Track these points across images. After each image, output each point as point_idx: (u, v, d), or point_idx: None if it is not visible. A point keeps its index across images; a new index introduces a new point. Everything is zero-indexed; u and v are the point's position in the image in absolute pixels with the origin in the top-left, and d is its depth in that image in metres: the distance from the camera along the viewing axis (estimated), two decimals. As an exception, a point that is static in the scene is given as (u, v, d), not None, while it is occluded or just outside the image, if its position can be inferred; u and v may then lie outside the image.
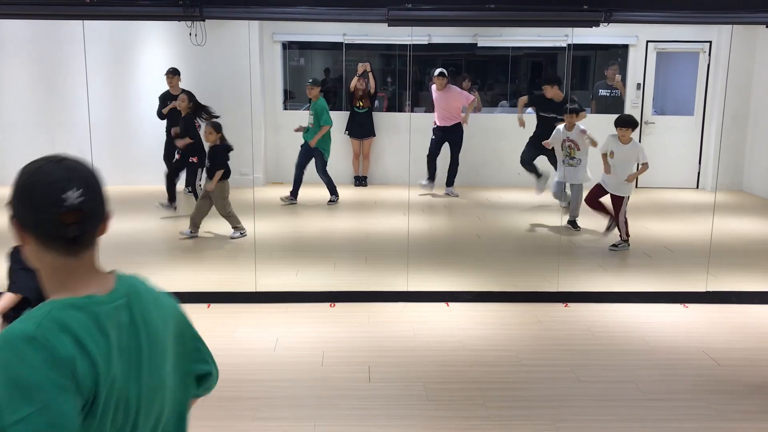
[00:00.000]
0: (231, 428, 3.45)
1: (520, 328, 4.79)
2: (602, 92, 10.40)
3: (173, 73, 8.74)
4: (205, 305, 5.11)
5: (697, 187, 10.51)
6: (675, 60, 10.90)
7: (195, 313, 5.14)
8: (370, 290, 5.46)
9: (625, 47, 10.43)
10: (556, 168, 8.12)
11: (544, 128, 8.16)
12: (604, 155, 6.79)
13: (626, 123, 6.64)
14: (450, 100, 9.39)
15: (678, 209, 8.94)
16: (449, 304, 5.22)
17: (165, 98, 8.75)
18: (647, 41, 10.24)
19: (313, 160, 8.92)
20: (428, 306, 5.18)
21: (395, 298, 5.29)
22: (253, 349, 4.39)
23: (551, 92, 8.33)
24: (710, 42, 10.20)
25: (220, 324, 4.79)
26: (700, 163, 10.49)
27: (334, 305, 5.17)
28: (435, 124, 9.51)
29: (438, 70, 9.40)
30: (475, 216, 8.33)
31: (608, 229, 7.05)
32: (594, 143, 7.19)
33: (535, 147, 8.42)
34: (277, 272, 5.91)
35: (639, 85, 10.34)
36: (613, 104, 10.37)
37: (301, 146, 8.99)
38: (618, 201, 6.72)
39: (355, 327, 4.78)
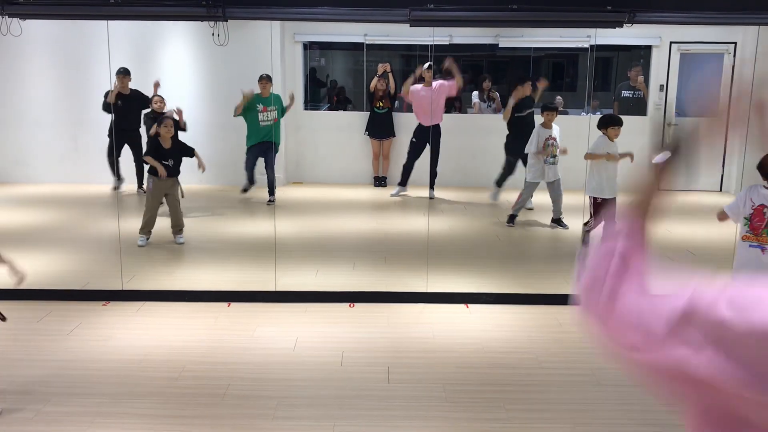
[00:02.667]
0: (250, 427, 3.46)
1: (540, 331, 4.76)
2: (625, 93, 10.31)
3: (125, 74, 8.58)
4: (225, 304, 5.13)
5: (721, 189, 10.38)
6: (699, 61, 10.78)
7: (215, 312, 5.21)
8: (390, 291, 5.46)
9: (648, 48, 10.34)
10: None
11: (520, 128, 8.31)
12: (592, 155, 6.61)
13: (619, 121, 6.64)
14: (440, 95, 9.28)
15: (701, 212, 8.83)
16: (469, 305, 5.21)
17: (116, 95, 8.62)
18: (671, 42, 10.14)
19: (266, 155, 8.62)
20: (448, 307, 5.16)
21: (415, 299, 5.29)
22: (272, 348, 4.41)
23: (526, 90, 8.55)
24: (735, 43, 10.08)
25: (241, 323, 4.81)
26: (723, 165, 10.36)
27: (354, 305, 5.17)
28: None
29: (427, 64, 9.27)
30: (495, 217, 8.29)
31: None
32: (565, 151, 7.60)
33: (514, 153, 8.54)
34: (296, 272, 5.93)
35: (662, 86, 10.24)
36: (636, 105, 10.29)
37: (257, 148, 8.66)
38: (613, 204, 6.49)
39: (375, 327, 4.78)
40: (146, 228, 6.70)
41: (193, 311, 5.00)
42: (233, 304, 5.15)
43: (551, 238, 7.38)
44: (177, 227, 6.80)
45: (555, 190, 7.67)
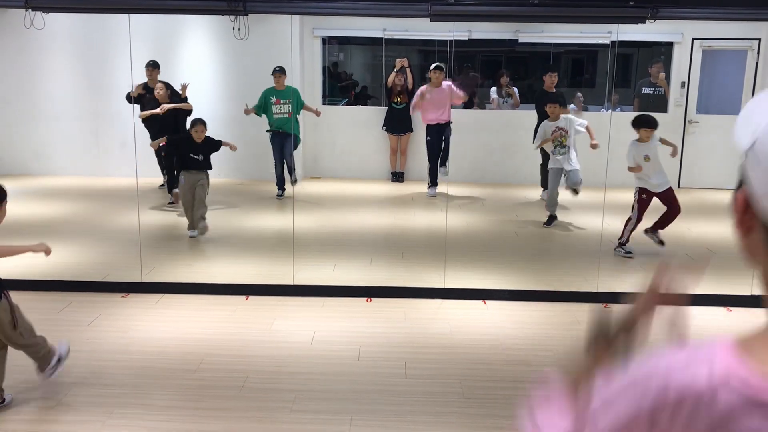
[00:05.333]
0: (268, 420, 3.48)
1: (558, 328, 4.74)
2: (645, 90, 10.21)
3: (154, 66, 8.74)
4: (243, 297, 5.16)
5: (742, 187, 10.28)
6: (721, 58, 10.65)
7: (233, 305, 5.23)
8: (407, 286, 5.46)
9: (670, 44, 10.24)
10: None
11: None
12: (633, 167, 6.42)
13: (650, 123, 6.39)
14: (445, 95, 9.24)
15: (722, 210, 8.75)
16: (486, 302, 5.19)
17: (144, 88, 8.87)
18: (693, 38, 10.03)
19: (284, 144, 8.87)
20: (465, 303, 5.15)
21: (432, 294, 5.28)
22: (290, 341, 4.42)
23: (550, 81, 8.66)
24: (759, 39, 9.95)
25: (259, 316, 4.83)
26: (745, 163, 10.25)
27: (371, 300, 5.18)
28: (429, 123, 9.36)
29: (435, 65, 9.25)
30: (513, 214, 8.26)
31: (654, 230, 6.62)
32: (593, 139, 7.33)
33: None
34: (314, 266, 5.95)
35: (683, 83, 10.14)
36: (657, 102, 10.19)
37: (275, 137, 8.91)
38: (670, 194, 6.43)
39: (392, 323, 4.78)
40: (192, 223, 6.89)
41: (212, 304, 5.03)
42: (251, 298, 5.17)
43: (569, 236, 7.34)
44: (198, 216, 6.87)
45: (573, 177, 7.41)
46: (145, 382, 3.85)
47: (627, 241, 6.52)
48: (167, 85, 8.16)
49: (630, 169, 6.42)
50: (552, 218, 7.62)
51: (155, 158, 9.47)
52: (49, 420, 3.44)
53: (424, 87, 9.33)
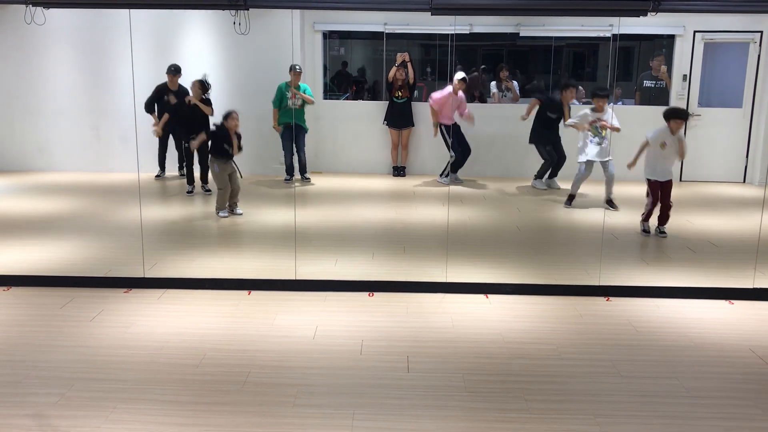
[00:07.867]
0: (270, 414, 3.48)
1: (560, 322, 4.74)
2: (647, 83, 10.20)
3: (176, 72, 9.12)
4: (245, 292, 5.16)
5: (744, 181, 10.27)
6: (723, 51, 10.62)
7: (236, 300, 5.24)
8: (409, 280, 5.46)
9: (671, 37, 10.21)
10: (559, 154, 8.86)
11: (546, 126, 8.96)
12: (646, 145, 7.05)
13: (683, 115, 6.93)
14: (460, 103, 9.69)
15: (724, 203, 8.74)
16: (488, 296, 5.19)
17: (161, 91, 9.14)
18: (694, 31, 10.01)
19: (296, 139, 9.53)
20: (467, 297, 5.15)
21: (434, 288, 5.28)
22: (292, 336, 4.43)
23: (570, 95, 9.24)
24: (761, 32, 9.93)
25: (261, 311, 4.84)
26: (747, 156, 10.24)
27: (373, 295, 5.18)
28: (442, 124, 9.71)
29: (461, 77, 9.61)
30: (515, 208, 8.26)
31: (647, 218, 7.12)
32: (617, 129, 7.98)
33: (539, 133, 9.35)
34: (316, 261, 5.95)
35: (685, 76, 10.12)
36: (658, 96, 10.17)
37: (286, 129, 9.44)
38: (669, 186, 6.95)
39: (394, 317, 4.78)
40: (222, 205, 7.62)
41: (214, 299, 5.04)
42: (253, 293, 5.18)
43: (571, 229, 7.34)
44: (235, 201, 7.71)
45: (609, 170, 8.08)
46: (148, 378, 3.86)
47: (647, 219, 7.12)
48: (201, 86, 8.48)
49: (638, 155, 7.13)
50: (572, 197, 8.30)
51: (156, 153, 9.53)
52: (51, 415, 3.44)
53: (446, 92, 9.55)
